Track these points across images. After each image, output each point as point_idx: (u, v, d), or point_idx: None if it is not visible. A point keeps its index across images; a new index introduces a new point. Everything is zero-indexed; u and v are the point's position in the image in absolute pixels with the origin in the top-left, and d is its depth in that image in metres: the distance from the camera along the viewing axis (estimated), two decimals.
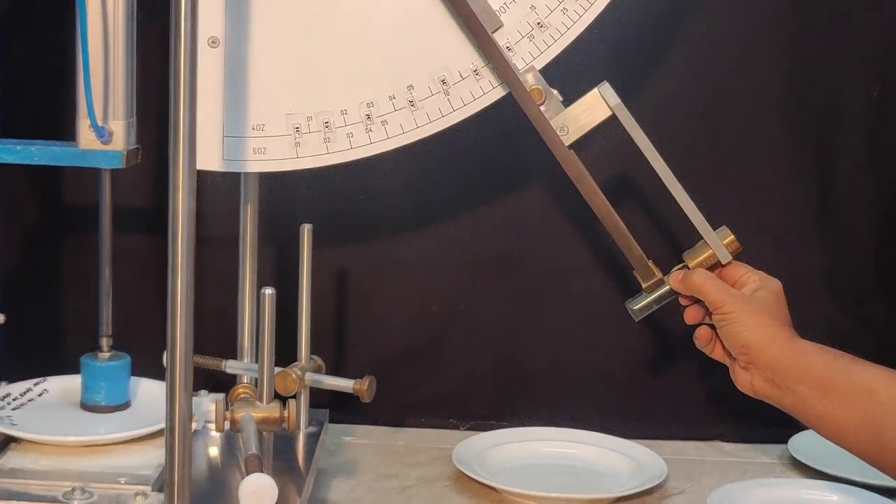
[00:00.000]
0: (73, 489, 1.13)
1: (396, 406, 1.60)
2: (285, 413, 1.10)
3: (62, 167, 1.29)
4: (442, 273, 1.60)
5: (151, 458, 1.22)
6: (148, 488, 1.14)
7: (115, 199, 1.33)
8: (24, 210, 1.55)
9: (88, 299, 1.40)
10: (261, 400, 1.10)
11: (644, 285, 1.24)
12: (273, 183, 1.46)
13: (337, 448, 1.52)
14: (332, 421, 1.50)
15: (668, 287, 1.23)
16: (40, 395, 1.34)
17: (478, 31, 1.20)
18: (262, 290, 1.08)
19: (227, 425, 1.09)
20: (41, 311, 1.56)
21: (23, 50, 1.50)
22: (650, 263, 1.23)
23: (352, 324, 1.61)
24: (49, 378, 1.36)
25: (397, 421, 1.60)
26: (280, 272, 1.51)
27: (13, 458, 1.21)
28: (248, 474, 1.02)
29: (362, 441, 1.55)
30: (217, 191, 1.48)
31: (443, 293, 1.60)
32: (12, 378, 1.38)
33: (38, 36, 1.51)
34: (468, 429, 1.59)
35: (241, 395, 1.16)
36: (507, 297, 1.60)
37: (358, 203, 1.57)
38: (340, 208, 1.56)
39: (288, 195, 1.51)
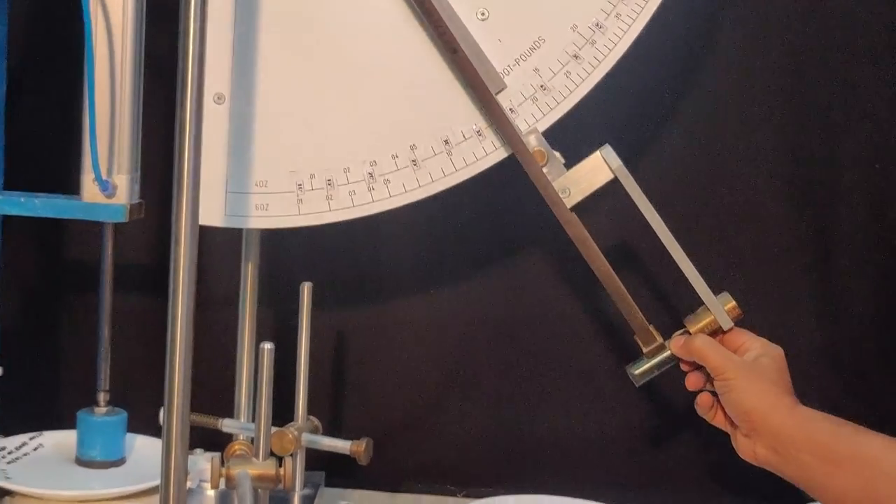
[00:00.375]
0: None
1: (394, 471, 1.59)
2: (281, 471, 1.09)
3: (65, 222, 1.29)
4: (442, 337, 1.59)
5: None
6: None
7: (116, 255, 1.33)
8: (25, 264, 1.55)
9: (87, 354, 1.40)
10: (257, 456, 1.09)
11: (645, 350, 1.23)
12: (274, 241, 1.46)
13: None
14: (327, 484, 1.49)
15: (669, 352, 1.22)
16: (35, 449, 1.33)
17: (482, 93, 1.20)
18: (262, 345, 1.08)
19: (222, 482, 1.08)
20: (39, 364, 1.55)
21: (28, 103, 1.51)
22: (651, 328, 1.23)
23: (350, 386, 1.60)
24: (45, 433, 1.35)
25: (394, 486, 1.58)
26: (279, 331, 1.51)
27: None
28: None
29: None
30: (217, 249, 1.48)
31: (443, 357, 1.59)
32: (9, 431, 1.37)
33: (43, 90, 1.52)
34: (465, 496, 1.58)
35: (238, 452, 1.15)
36: (508, 362, 1.59)
37: (359, 264, 1.56)
38: (341, 269, 1.56)
39: (289, 254, 1.51)
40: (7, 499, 1.22)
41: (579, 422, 1.59)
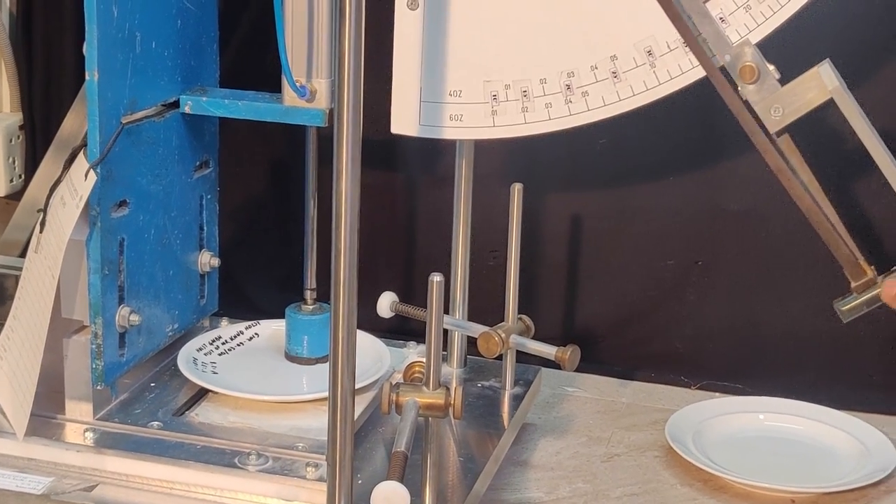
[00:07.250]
0: (250, 454, 1.15)
1: (626, 359, 1.56)
2: (451, 399, 1.07)
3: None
4: (680, 225, 1.52)
5: None
6: (322, 458, 1.13)
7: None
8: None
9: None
10: (427, 386, 1.08)
11: (853, 284, 1.13)
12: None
13: (557, 400, 1.49)
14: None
15: (880, 290, 1.12)
16: (250, 339, 1.35)
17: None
18: (431, 277, 1.05)
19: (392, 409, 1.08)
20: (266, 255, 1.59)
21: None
22: (862, 262, 1.13)
23: (585, 274, 1.56)
24: (262, 322, 1.38)
25: (626, 374, 1.55)
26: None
27: (206, 411, 1.23)
28: (389, 473, 1.01)
29: (585, 394, 1.51)
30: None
31: (679, 247, 1.53)
32: (235, 316, 1.41)
33: None
34: (699, 388, 1.53)
35: (416, 375, 1.14)
36: (749, 255, 1.51)
37: (596, 148, 1.51)
38: (572, 157, 1.51)
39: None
40: (210, 395, 1.26)
41: (824, 319, 1.49)
